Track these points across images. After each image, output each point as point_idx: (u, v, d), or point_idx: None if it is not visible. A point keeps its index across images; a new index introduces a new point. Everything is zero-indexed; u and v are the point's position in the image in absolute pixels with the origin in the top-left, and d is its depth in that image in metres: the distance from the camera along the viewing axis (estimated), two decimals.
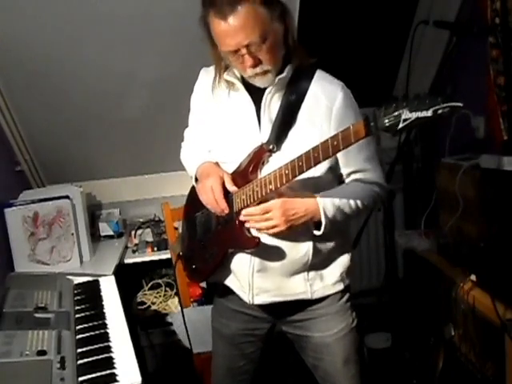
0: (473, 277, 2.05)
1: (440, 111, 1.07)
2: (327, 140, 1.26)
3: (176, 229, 2.65)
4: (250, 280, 1.55)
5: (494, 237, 2.03)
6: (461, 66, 2.62)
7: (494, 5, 2.26)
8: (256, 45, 1.37)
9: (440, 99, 1.07)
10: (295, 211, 1.40)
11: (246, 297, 1.59)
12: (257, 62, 1.40)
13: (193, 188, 1.69)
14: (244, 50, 1.37)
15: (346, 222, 1.50)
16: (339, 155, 1.49)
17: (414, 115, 1.09)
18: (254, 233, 1.48)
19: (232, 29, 1.34)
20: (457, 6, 2.60)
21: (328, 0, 2.68)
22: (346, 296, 1.64)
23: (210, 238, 1.63)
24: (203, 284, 2.77)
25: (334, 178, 1.54)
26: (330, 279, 1.58)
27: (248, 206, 1.46)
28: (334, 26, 2.77)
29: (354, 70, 2.61)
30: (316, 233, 1.46)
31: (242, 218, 1.45)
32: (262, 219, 1.40)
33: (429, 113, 1.08)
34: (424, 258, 2.43)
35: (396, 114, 1.11)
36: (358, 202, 1.48)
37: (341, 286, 1.60)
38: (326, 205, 1.43)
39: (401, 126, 1.11)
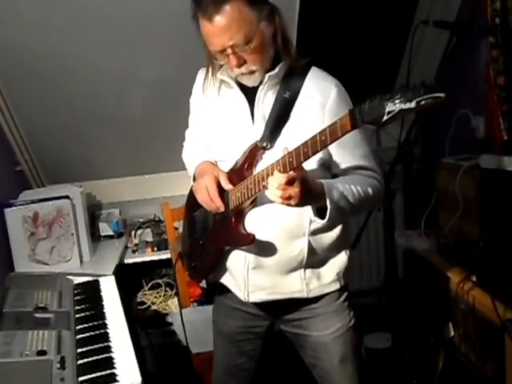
0: (473, 277, 2.05)
1: (423, 102, 1.07)
2: (315, 135, 1.25)
3: (176, 229, 2.65)
4: (246, 277, 1.56)
5: (494, 237, 2.03)
6: (461, 66, 2.62)
7: (494, 5, 2.27)
8: (240, 46, 1.38)
9: (423, 90, 1.08)
10: (312, 192, 1.35)
11: (242, 295, 1.59)
12: (241, 62, 1.41)
13: (192, 188, 1.69)
14: (229, 50, 1.39)
15: (350, 211, 1.46)
16: (334, 152, 1.50)
17: (398, 107, 1.10)
18: (249, 230, 1.49)
19: (217, 29, 1.36)
20: (457, 6, 2.60)
21: (328, 0, 2.69)
22: (344, 295, 1.64)
23: (207, 236, 1.63)
24: (203, 284, 2.76)
25: (329, 176, 1.54)
26: (327, 278, 1.58)
27: (243, 203, 1.46)
28: (334, 26, 2.77)
29: (353, 70, 2.61)
30: (320, 221, 1.41)
31: (269, 181, 1.33)
32: (284, 188, 1.31)
33: (412, 104, 1.08)
34: (424, 258, 2.42)
35: (380, 106, 1.12)
36: (361, 192, 1.46)
37: (337, 286, 1.60)
38: (331, 190, 1.39)
39: (385, 118, 1.12)
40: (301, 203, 1.33)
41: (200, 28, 1.41)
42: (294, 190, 1.29)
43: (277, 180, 1.29)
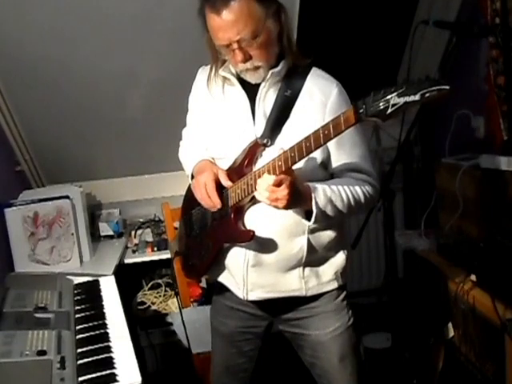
0: (473, 277, 2.05)
1: (427, 94, 1.08)
2: (318, 129, 1.27)
3: (176, 229, 2.65)
4: (245, 275, 1.56)
5: (494, 237, 2.03)
6: (461, 65, 2.62)
7: (493, 5, 2.27)
8: (247, 41, 1.38)
9: (427, 83, 1.08)
10: (299, 196, 1.37)
11: (241, 293, 1.59)
12: (247, 58, 1.42)
13: (189, 186, 1.70)
14: (235, 45, 1.39)
15: (338, 214, 1.47)
16: (332, 150, 1.50)
17: (403, 100, 1.11)
18: (249, 227, 1.49)
19: (224, 23, 1.36)
20: (457, 6, 2.60)
21: (328, 0, 2.69)
22: (343, 294, 1.64)
23: (205, 234, 1.64)
24: (203, 284, 2.77)
25: (327, 175, 1.54)
26: (325, 277, 1.59)
27: (243, 199, 1.47)
28: (334, 26, 2.78)
29: (354, 70, 2.62)
30: (307, 223, 1.44)
31: (258, 182, 1.36)
32: (272, 190, 1.33)
33: (416, 97, 1.09)
34: (424, 258, 2.42)
35: (385, 99, 1.13)
36: (350, 197, 1.47)
37: (335, 285, 1.61)
38: (318, 194, 1.41)
39: (390, 111, 1.13)
40: (288, 206, 1.35)
41: (207, 22, 1.41)
42: (282, 193, 1.31)
43: (265, 181, 1.31)
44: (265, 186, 1.31)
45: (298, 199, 1.37)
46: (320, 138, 1.26)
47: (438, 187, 2.49)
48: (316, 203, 1.40)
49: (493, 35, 2.29)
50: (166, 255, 2.81)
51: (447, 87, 1.08)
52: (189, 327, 1.90)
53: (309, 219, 1.43)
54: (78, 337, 1.60)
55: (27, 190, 2.63)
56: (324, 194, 1.42)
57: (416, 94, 1.09)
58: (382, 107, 1.13)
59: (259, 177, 1.39)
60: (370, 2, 2.71)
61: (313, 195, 1.40)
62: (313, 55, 1.53)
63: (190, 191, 1.67)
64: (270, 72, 1.47)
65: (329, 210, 1.43)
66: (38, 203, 2.37)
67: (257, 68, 1.45)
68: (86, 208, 2.63)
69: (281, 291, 1.57)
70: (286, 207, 1.35)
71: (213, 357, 1.80)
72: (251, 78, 1.49)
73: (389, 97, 1.12)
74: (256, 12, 1.37)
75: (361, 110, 1.17)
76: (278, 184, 1.31)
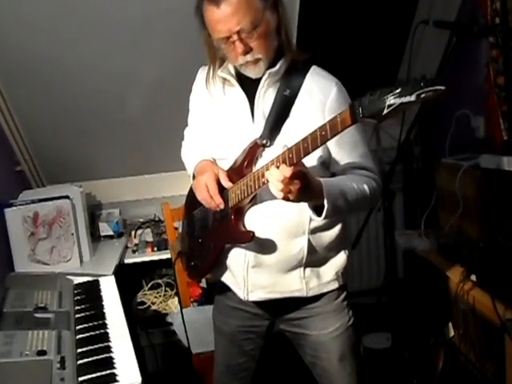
0: (473, 277, 2.05)
1: (423, 95, 1.08)
2: (315, 130, 1.26)
3: (176, 229, 2.65)
4: (245, 276, 1.56)
5: (494, 237, 2.03)
6: (461, 65, 2.62)
7: (494, 5, 2.27)
8: (247, 31, 1.39)
9: (423, 83, 1.08)
10: (311, 190, 1.35)
11: (242, 293, 1.59)
12: (247, 49, 1.42)
13: (191, 187, 1.69)
14: (235, 37, 1.39)
15: (347, 210, 1.46)
16: (333, 150, 1.50)
17: (399, 101, 1.11)
18: (249, 228, 1.49)
19: (224, 15, 1.37)
20: (457, 6, 2.60)
21: (328, 0, 2.69)
22: (343, 295, 1.64)
23: (206, 235, 1.64)
24: (203, 284, 2.77)
25: (328, 175, 1.54)
26: (326, 277, 1.59)
27: (242, 200, 1.46)
28: (334, 25, 2.78)
29: (353, 70, 2.61)
30: (317, 218, 1.42)
31: (268, 174, 1.32)
32: (287, 183, 1.29)
33: (412, 97, 1.09)
34: (424, 258, 2.42)
35: (381, 100, 1.13)
36: (358, 192, 1.46)
37: (336, 285, 1.61)
38: (329, 189, 1.39)
39: (386, 111, 1.12)
40: (298, 199, 1.33)
41: (205, 17, 1.41)
42: (295, 186, 1.29)
43: (281, 173, 1.28)
44: (280, 178, 1.28)
45: (309, 193, 1.35)
46: (317, 138, 1.25)
47: (438, 187, 2.49)
48: (328, 197, 1.38)
49: (493, 35, 2.29)
50: (166, 255, 2.81)
51: (443, 88, 1.07)
52: (189, 327, 1.91)
53: (317, 214, 1.41)
54: (77, 337, 1.60)
55: (27, 190, 2.63)
56: (335, 189, 1.41)
57: (412, 94, 1.09)
58: (377, 108, 1.13)
59: (258, 178, 1.38)
60: (369, 1, 2.72)
61: (324, 190, 1.38)
62: (312, 51, 1.52)
63: (192, 192, 1.67)
64: (268, 72, 1.47)
65: (339, 205, 1.41)
66: (38, 203, 2.38)
67: (257, 61, 1.45)
68: (86, 208, 2.63)
69: (281, 292, 1.57)
70: (296, 201, 1.33)
71: (215, 356, 1.81)
72: (251, 73, 1.48)
73: (385, 98, 1.12)
74: (254, 2, 1.38)
75: (357, 111, 1.17)
76: (293, 176, 1.28)
